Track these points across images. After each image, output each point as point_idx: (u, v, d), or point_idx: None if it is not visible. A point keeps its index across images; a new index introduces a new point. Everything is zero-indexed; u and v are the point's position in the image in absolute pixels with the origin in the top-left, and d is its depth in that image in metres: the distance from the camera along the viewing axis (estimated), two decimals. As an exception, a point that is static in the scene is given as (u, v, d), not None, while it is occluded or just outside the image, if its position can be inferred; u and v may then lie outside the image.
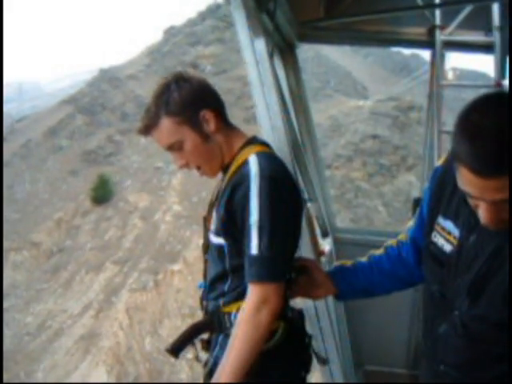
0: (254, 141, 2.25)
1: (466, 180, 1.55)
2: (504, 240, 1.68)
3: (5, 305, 33.52)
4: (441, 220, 1.96)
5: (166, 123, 2.09)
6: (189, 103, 2.13)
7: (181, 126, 2.10)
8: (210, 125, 2.14)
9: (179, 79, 2.18)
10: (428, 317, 2.09)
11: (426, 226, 2.06)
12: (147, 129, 2.13)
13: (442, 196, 1.97)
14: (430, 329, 2.04)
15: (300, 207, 2.25)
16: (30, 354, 28.43)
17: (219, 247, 2.12)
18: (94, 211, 38.56)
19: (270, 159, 2.13)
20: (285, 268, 2.05)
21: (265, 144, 2.29)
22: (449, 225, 1.91)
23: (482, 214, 1.60)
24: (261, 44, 2.99)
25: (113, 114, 48.33)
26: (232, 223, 2.05)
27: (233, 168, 2.14)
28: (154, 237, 32.30)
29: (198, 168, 2.17)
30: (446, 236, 1.92)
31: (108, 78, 53.28)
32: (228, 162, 2.20)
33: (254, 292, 1.96)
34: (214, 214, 2.17)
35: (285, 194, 2.06)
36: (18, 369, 27.61)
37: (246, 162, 2.09)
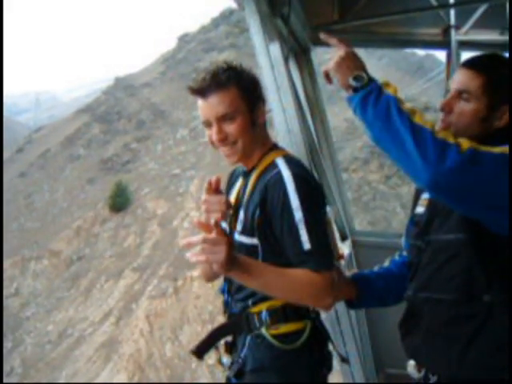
0: (276, 145, 2.30)
1: None
2: None
3: (26, 313, 33.79)
4: (422, 195, 2.24)
5: (233, 92, 2.13)
6: (258, 88, 2.25)
7: (243, 101, 2.15)
8: (262, 117, 2.24)
9: (243, 66, 2.28)
10: (411, 273, 2.21)
11: (412, 208, 2.31)
12: (209, 88, 2.13)
13: None
14: (414, 274, 2.16)
15: (326, 207, 2.30)
16: (52, 362, 28.61)
17: (251, 247, 2.15)
18: (112, 219, 38.77)
19: (296, 162, 2.19)
20: (333, 258, 2.14)
21: (285, 151, 2.32)
22: (426, 194, 2.18)
23: None
24: (276, 48, 3.01)
25: (129, 121, 48.61)
26: (268, 224, 2.08)
27: (260, 168, 2.17)
28: (172, 243, 32.38)
29: (234, 143, 2.17)
30: (422, 203, 2.20)
31: (123, 86, 53.66)
32: (252, 165, 2.22)
33: (318, 280, 2.00)
34: (242, 215, 2.20)
35: (316, 193, 2.14)
36: (39, 377, 27.80)
37: (273, 164, 2.14)
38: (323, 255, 2.03)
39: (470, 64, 2.05)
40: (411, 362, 2.15)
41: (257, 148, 2.22)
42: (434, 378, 2.04)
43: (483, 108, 1.98)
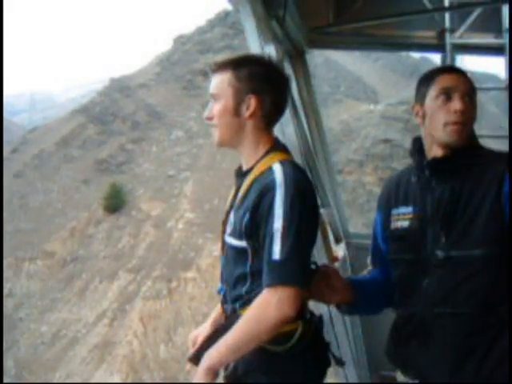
0: (276, 146, 2.25)
1: None
2: (455, 181, 2.05)
3: (20, 314, 33.70)
4: (393, 212, 2.27)
5: (226, 76, 2.19)
6: (252, 78, 2.19)
7: (231, 87, 2.17)
8: (248, 110, 2.18)
9: (267, 60, 2.30)
10: (407, 288, 2.20)
11: (384, 229, 2.34)
12: (217, 68, 2.23)
13: (391, 196, 2.31)
14: (416, 293, 2.14)
15: (318, 214, 2.26)
16: (46, 363, 28.55)
17: (241, 250, 2.13)
18: (106, 220, 38.71)
19: (293, 168, 2.13)
20: (305, 274, 2.05)
21: (285, 150, 2.29)
22: (400, 210, 2.23)
23: None
24: (271, 51, 3.01)
25: (124, 122, 48.52)
26: (257, 229, 2.06)
27: (256, 173, 2.15)
28: (166, 245, 32.37)
29: (216, 126, 2.23)
30: (400, 218, 2.23)
31: (119, 87, 53.54)
32: (250, 166, 2.21)
33: (271, 293, 1.95)
34: (232, 217, 2.18)
35: (308, 203, 2.07)
36: (33, 378, 27.75)
37: (269, 170, 2.10)
38: (290, 269, 1.96)
39: (457, 69, 2.25)
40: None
41: (247, 144, 2.21)
42: None
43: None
